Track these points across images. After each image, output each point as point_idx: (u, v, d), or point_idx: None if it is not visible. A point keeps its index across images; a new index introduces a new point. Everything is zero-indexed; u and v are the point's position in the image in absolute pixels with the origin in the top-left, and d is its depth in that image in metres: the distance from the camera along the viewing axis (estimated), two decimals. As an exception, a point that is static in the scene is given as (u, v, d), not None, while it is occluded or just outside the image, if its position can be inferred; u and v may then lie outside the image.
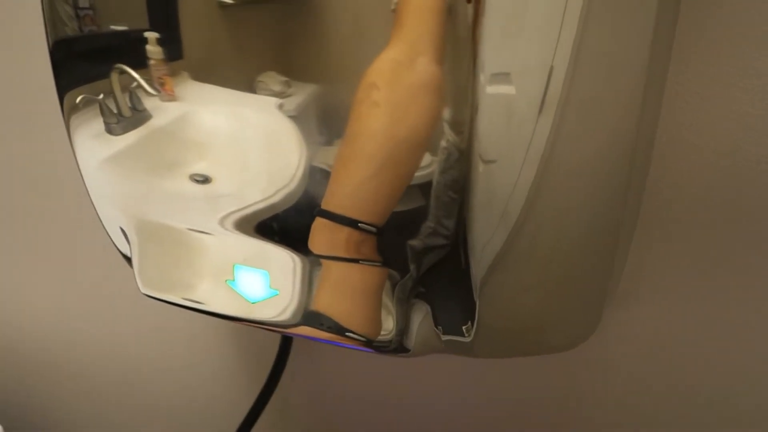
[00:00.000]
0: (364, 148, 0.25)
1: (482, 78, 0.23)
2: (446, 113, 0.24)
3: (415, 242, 0.27)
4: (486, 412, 0.44)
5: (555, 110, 0.23)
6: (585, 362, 0.40)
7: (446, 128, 0.24)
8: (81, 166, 0.32)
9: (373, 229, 0.26)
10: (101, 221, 0.33)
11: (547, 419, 0.43)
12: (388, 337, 0.28)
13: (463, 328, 0.28)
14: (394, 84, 0.24)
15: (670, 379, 0.39)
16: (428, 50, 0.23)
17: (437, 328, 0.29)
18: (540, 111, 0.23)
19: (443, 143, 0.24)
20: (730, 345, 0.36)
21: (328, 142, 0.26)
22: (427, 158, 0.25)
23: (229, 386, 0.54)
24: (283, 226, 0.29)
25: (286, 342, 0.46)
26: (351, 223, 0.26)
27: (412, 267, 0.27)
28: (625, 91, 0.24)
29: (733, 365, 0.37)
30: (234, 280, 0.30)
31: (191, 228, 0.31)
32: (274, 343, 0.47)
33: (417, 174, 0.25)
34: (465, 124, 0.24)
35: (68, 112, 0.31)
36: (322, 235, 0.27)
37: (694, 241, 0.34)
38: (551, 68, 0.23)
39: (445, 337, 0.29)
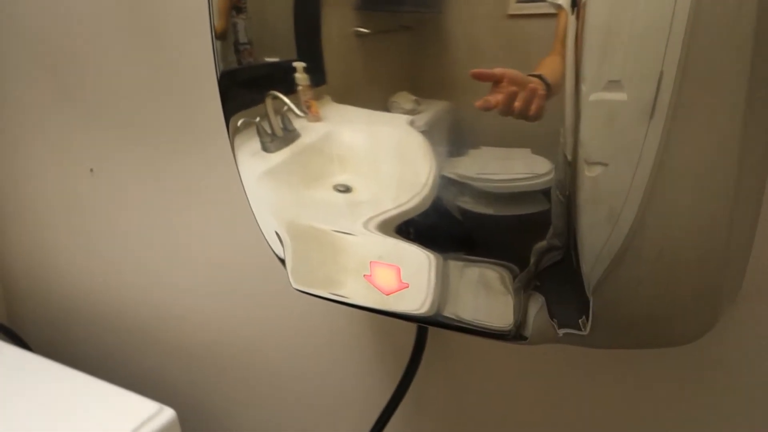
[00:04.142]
0: None
1: (585, 87, 0.25)
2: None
3: (540, 243, 0.29)
4: (597, 410, 0.45)
5: (666, 115, 0.25)
6: (700, 362, 0.39)
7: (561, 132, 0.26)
8: (243, 181, 0.37)
9: None
10: (259, 227, 0.38)
11: (656, 418, 0.43)
12: (508, 326, 0.31)
13: (579, 321, 0.30)
14: None
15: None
16: None
17: (552, 320, 0.30)
18: (651, 116, 0.25)
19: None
20: None
21: (455, 153, 0.29)
22: (548, 166, 0.27)
23: (367, 381, 0.57)
24: (418, 227, 0.31)
25: (422, 338, 0.48)
26: None
27: (532, 263, 0.29)
28: (729, 93, 0.25)
29: None
30: (370, 275, 0.34)
31: (335, 230, 0.34)
32: (409, 340, 0.49)
33: (542, 180, 0.27)
34: (567, 131, 0.26)
35: (233, 133, 0.35)
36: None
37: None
38: (661, 74, 0.24)
39: (561, 330, 0.30)
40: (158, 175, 0.61)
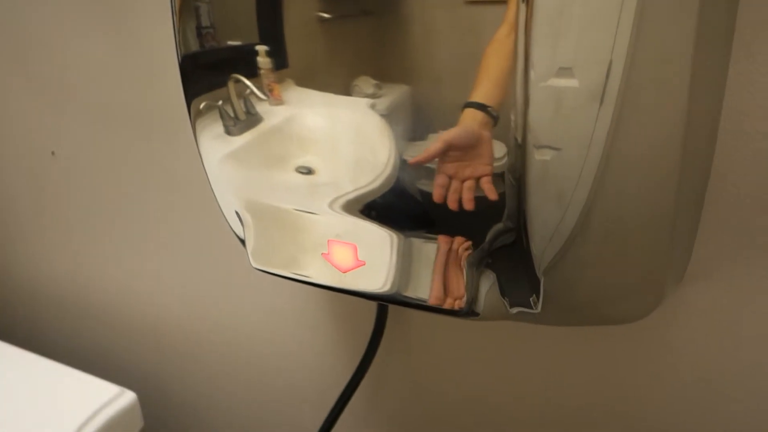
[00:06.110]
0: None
1: (534, 73, 0.25)
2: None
3: (497, 225, 0.29)
4: (552, 384, 0.46)
5: (615, 101, 0.25)
6: (648, 341, 0.41)
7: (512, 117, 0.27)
8: (204, 163, 0.37)
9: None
10: (220, 208, 0.38)
11: (603, 402, 0.44)
12: (460, 302, 0.31)
13: (530, 300, 0.31)
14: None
15: (738, 363, 0.38)
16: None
17: (504, 298, 0.31)
18: (601, 102, 0.26)
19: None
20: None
21: (415, 138, 0.29)
22: (504, 150, 0.28)
23: (329, 360, 0.58)
24: (378, 207, 0.32)
25: (382, 318, 0.49)
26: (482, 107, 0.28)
27: (486, 242, 0.30)
28: (673, 80, 0.26)
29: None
30: (327, 253, 0.34)
31: (296, 208, 0.35)
32: (371, 320, 0.50)
33: (496, 164, 0.28)
34: (518, 116, 0.26)
35: (194, 116, 0.35)
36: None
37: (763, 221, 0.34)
38: (611, 60, 0.25)
39: (513, 309, 0.31)
40: (121, 157, 0.60)
